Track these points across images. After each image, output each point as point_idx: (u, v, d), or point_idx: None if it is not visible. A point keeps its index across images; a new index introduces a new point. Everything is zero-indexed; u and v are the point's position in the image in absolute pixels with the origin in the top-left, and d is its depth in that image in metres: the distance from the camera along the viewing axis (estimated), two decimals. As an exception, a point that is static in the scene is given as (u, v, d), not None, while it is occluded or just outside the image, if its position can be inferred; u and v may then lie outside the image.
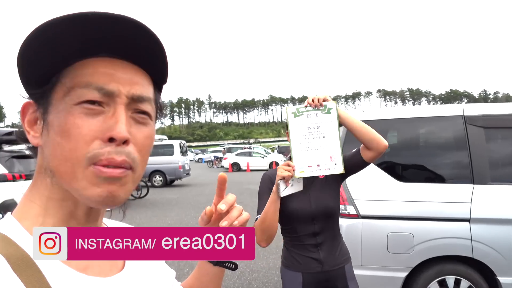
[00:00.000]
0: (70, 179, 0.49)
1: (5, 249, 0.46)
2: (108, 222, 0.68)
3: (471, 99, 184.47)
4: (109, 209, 0.54)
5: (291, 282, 1.83)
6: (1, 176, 6.64)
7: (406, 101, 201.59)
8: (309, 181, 1.86)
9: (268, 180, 1.92)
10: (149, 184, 14.04)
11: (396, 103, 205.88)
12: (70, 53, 0.49)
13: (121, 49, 0.51)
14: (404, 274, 2.96)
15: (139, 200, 12.37)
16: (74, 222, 0.53)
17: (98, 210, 0.56)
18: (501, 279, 2.87)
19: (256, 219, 1.90)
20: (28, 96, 0.53)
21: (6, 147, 7.57)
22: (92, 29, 0.47)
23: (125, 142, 0.49)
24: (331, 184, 1.85)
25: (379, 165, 3.12)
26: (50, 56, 0.49)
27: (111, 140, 0.48)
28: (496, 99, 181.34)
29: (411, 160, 3.34)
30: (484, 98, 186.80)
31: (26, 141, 0.55)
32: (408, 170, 3.31)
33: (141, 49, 0.52)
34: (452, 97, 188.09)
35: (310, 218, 1.81)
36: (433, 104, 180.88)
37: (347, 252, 1.91)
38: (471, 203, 2.91)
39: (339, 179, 1.87)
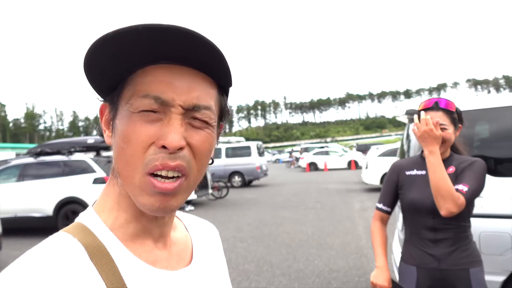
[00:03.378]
0: (129, 183, 0.52)
1: (84, 239, 0.51)
2: (181, 215, 0.71)
3: None
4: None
5: (407, 276, 1.78)
6: (100, 179, 7.46)
7: (502, 89, 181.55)
8: None
9: (394, 170, 1.90)
10: (228, 185, 14.56)
11: (489, 92, 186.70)
12: (134, 62, 0.51)
13: (180, 58, 0.52)
14: (501, 278, 2.69)
15: (220, 200, 12.89)
16: (145, 219, 0.56)
17: None
18: None
19: (377, 207, 1.94)
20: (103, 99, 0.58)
21: (104, 153, 8.48)
22: (154, 40, 0.49)
23: (180, 148, 0.50)
24: (461, 179, 1.70)
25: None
26: (116, 66, 0.51)
27: (164, 147, 0.50)
28: None
29: (507, 152, 3.02)
30: None
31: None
32: (503, 164, 3.01)
33: (199, 57, 0.52)
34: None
35: (429, 211, 1.72)
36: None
37: (476, 255, 1.75)
38: None
39: (474, 175, 1.72)
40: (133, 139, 0.50)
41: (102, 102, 0.58)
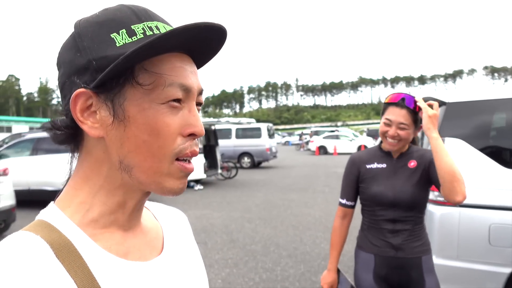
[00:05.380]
0: (154, 173, 0.51)
1: (48, 236, 0.48)
2: (147, 204, 0.69)
3: None
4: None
5: (364, 263, 1.84)
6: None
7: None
8: (397, 168, 1.81)
9: (354, 163, 1.92)
10: (238, 165, 14.65)
11: (506, 80, 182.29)
12: (152, 50, 0.48)
13: (189, 46, 0.52)
14: (509, 270, 2.69)
15: (229, 180, 12.99)
16: (121, 212, 0.54)
17: (145, 200, 0.57)
18: None
19: (340, 203, 1.99)
20: (85, 85, 0.49)
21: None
22: (193, 36, 0.49)
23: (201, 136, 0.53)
24: (421, 176, 1.76)
25: (482, 150, 2.84)
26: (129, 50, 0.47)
27: (190, 135, 0.51)
28: None
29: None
30: None
31: (58, 128, 0.53)
32: (517, 156, 2.96)
33: (206, 48, 0.54)
34: None
35: (391, 205, 1.77)
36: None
37: (427, 244, 1.83)
38: None
39: (431, 175, 1.74)
40: (163, 132, 0.49)
41: (79, 89, 0.49)
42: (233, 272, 4.43)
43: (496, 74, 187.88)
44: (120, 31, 0.49)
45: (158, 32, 0.50)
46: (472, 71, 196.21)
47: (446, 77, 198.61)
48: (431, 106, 1.69)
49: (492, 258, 2.72)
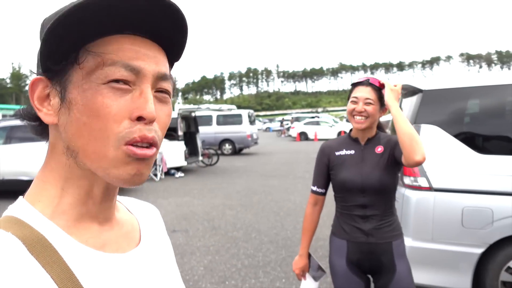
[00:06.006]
0: (99, 158, 0.48)
1: (20, 232, 0.46)
2: (120, 198, 0.68)
3: None
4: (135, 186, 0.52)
5: (337, 249, 1.89)
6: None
7: (493, 65, 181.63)
8: (364, 153, 1.84)
9: (324, 152, 1.96)
10: (219, 152, 14.62)
11: (481, 67, 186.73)
12: (93, 30, 0.47)
13: (144, 27, 0.50)
14: (480, 250, 2.80)
15: (210, 167, 12.96)
16: (91, 202, 0.53)
17: (114, 188, 0.55)
18: None
19: (312, 190, 2.01)
20: (41, 71, 0.50)
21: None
22: (120, 7, 0.46)
23: (152, 121, 0.49)
24: (388, 160, 1.80)
25: (456, 136, 2.92)
26: (76, 32, 0.46)
27: (139, 119, 0.48)
28: None
29: (492, 130, 3.06)
30: None
31: (31, 119, 0.54)
32: (490, 142, 3.06)
33: (165, 29, 0.51)
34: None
35: (360, 190, 1.80)
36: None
37: (398, 228, 1.87)
38: None
39: (396, 154, 1.77)
40: (102, 113, 0.47)
41: (35, 76, 0.50)
42: (215, 259, 4.47)
43: (471, 61, 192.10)
44: None
45: None
46: (448, 58, 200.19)
47: (424, 64, 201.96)
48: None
49: (465, 239, 2.82)
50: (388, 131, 2.04)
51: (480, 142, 3.03)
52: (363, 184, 1.79)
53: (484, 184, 2.79)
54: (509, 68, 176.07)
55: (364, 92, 1.79)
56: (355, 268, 1.86)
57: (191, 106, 13.11)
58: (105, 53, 0.47)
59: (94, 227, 0.53)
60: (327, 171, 1.94)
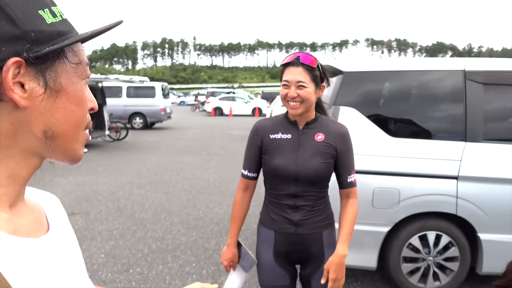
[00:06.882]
0: (73, 141, 0.56)
1: None
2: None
3: (456, 52, 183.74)
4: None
5: (264, 240, 1.77)
6: None
7: (393, 51, 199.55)
8: (302, 139, 1.67)
9: (257, 133, 1.74)
10: (128, 126, 13.69)
11: (383, 52, 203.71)
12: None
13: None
14: (386, 229, 2.92)
15: (118, 142, 12.11)
16: (17, 183, 0.54)
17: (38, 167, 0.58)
18: (481, 236, 2.88)
19: (242, 174, 1.82)
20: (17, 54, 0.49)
21: None
22: None
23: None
24: (327, 152, 1.66)
25: (369, 117, 2.94)
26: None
27: (90, 109, 0.59)
28: (480, 54, 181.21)
29: (402, 114, 3.16)
30: (468, 52, 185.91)
31: None
32: (398, 125, 3.16)
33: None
34: (438, 49, 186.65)
35: (293, 180, 1.65)
36: (419, 55, 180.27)
37: (329, 218, 1.78)
38: (461, 160, 2.82)
39: (335, 153, 1.68)
40: (85, 104, 0.57)
41: (15, 57, 0.48)
42: (119, 244, 4.08)
43: (375, 47, 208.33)
44: (45, 10, 0.51)
45: (65, 16, 0.55)
46: (356, 42, 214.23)
47: (334, 46, 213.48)
48: None
49: (374, 219, 2.90)
50: (328, 108, 1.85)
51: (392, 125, 3.11)
52: (297, 173, 1.63)
53: (393, 165, 2.88)
54: (405, 55, 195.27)
55: (295, 74, 1.58)
56: (283, 259, 1.74)
57: (98, 76, 11.95)
58: (80, 54, 0.56)
59: (4, 212, 0.52)
60: (259, 153, 1.74)
